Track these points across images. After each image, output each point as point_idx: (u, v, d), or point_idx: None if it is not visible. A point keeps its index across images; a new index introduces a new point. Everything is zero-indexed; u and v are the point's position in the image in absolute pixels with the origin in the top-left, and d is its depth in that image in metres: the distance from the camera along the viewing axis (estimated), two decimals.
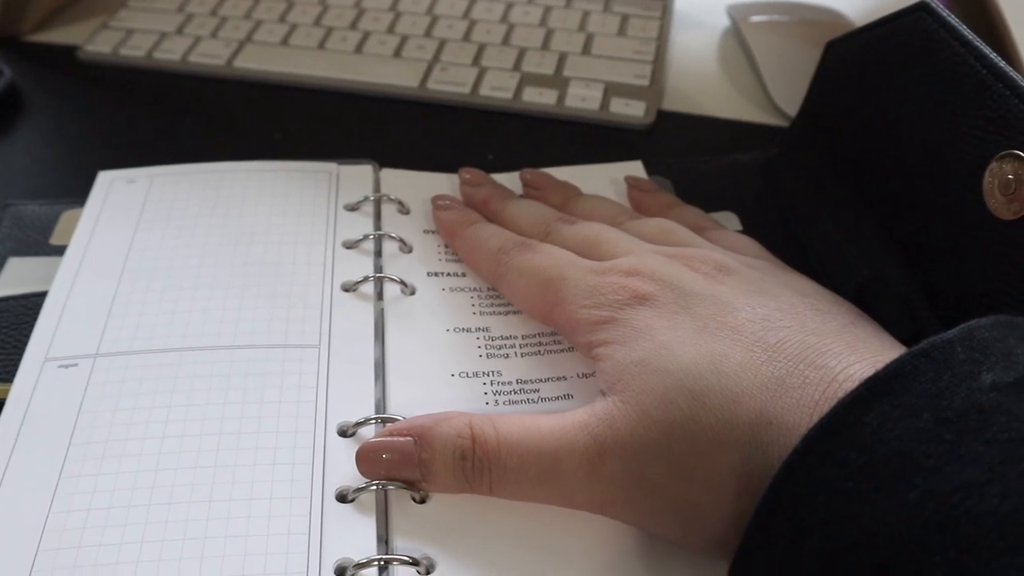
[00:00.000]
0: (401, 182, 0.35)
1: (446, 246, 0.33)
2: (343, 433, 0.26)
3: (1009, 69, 0.26)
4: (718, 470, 0.22)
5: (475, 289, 0.31)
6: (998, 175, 0.25)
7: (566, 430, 0.23)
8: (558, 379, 0.28)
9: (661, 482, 0.23)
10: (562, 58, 0.45)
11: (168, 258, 0.31)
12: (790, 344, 0.23)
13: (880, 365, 0.20)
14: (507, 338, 0.29)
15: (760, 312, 0.24)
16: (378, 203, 0.34)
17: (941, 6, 0.29)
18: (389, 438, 0.25)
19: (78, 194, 0.36)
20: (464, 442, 0.24)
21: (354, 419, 0.26)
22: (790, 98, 0.43)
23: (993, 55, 0.27)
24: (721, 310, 0.25)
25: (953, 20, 0.29)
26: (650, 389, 0.23)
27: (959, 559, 0.17)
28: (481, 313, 0.30)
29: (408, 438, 0.24)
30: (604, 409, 0.23)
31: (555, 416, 0.24)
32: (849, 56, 0.33)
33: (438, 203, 0.33)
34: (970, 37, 0.28)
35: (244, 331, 0.29)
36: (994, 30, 0.40)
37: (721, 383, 0.22)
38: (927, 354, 0.20)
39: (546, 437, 0.23)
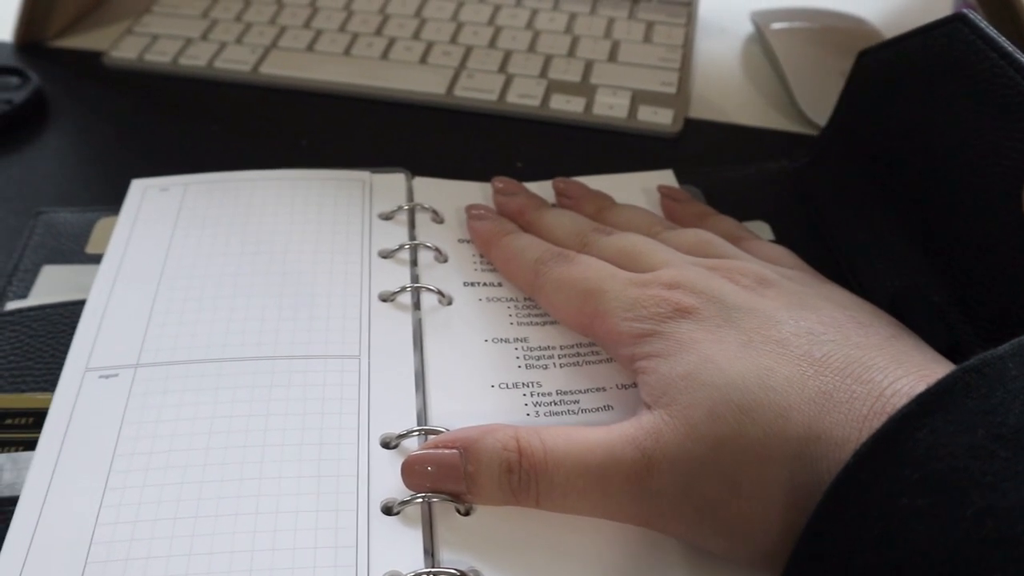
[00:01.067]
0: (434, 191, 0.35)
1: (481, 255, 0.33)
2: (386, 445, 0.26)
3: None
4: (766, 484, 0.22)
5: (512, 299, 0.31)
6: None
7: (613, 443, 0.24)
8: (597, 390, 0.28)
9: (709, 496, 0.23)
10: (588, 65, 0.45)
11: (205, 267, 0.31)
12: (836, 358, 0.23)
13: (927, 380, 0.20)
14: (545, 349, 0.29)
15: (804, 325, 0.24)
16: (412, 212, 0.34)
17: (979, 17, 0.29)
18: (434, 450, 0.25)
19: (106, 200, 0.36)
20: (511, 455, 0.24)
21: (397, 430, 0.26)
22: (816, 105, 0.43)
23: None
24: (765, 323, 0.25)
25: (991, 31, 0.29)
26: (697, 403, 0.23)
27: None
28: (519, 323, 0.30)
29: (454, 450, 0.24)
30: (651, 423, 0.23)
31: (601, 429, 0.24)
32: (883, 66, 0.33)
33: (472, 213, 0.33)
34: (1009, 48, 0.28)
35: (284, 341, 0.29)
36: None
37: (769, 397, 0.23)
38: (978, 370, 0.20)
39: (593, 450, 0.24)
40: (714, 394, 0.23)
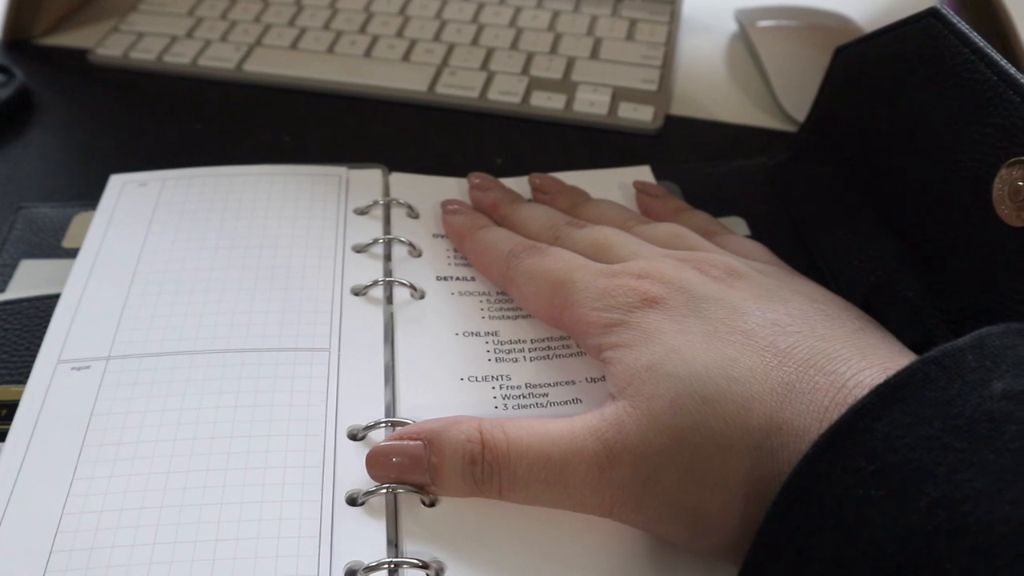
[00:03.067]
0: (410, 186, 0.35)
1: (455, 250, 0.33)
2: (353, 436, 0.26)
3: (1020, 76, 0.26)
4: (727, 475, 0.22)
5: (484, 293, 0.31)
6: (1008, 182, 0.25)
7: (575, 435, 0.24)
8: (567, 383, 0.28)
9: (670, 487, 0.23)
10: (570, 63, 0.45)
11: (179, 261, 0.32)
12: (800, 349, 0.23)
13: (890, 372, 0.20)
14: (516, 342, 0.29)
15: (770, 317, 0.24)
16: (387, 207, 0.34)
17: (951, 12, 0.29)
18: (399, 442, 0.25)
19: (89, 196, 0.36)
20: (474, 447, 0.24)
21: (364, 422, 0.26)
22: (798, 103, 0.43)
23: (1004, 62, 0.27)
24: (731, 314, 0.25)
25: (963, 26, 0.29)
26: (660, 394, 0.23)
27: (970, 567, 0.17)
28: (490, 317, 0.30)
29: (418, 442, 0.24)
30: (614, 414, 0.24)
31: (565, 420, 0.24)
32: (858, 62, 0.34)
33: (447, 207, 0.33)
34: (981, 44, 0.28)
35: (255, 334, 0.29)
36: (1003, 36, 0.40)
37: (731, 388, 0.23)
38: (938, 362, 0.20)
39: (556, 441, 0.24)
40: (677, 385, 0.23)
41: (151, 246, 0.32)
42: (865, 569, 0.18)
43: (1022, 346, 0.20)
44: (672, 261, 0.27)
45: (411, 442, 0.25)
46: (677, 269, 0.26)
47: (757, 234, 0.35)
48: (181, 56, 0.46)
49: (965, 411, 0.19)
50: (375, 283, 0.31)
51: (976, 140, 0.27)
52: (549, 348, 0.29)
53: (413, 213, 0.34)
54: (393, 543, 0.24)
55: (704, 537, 0.23)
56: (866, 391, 0.20)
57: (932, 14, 0.30)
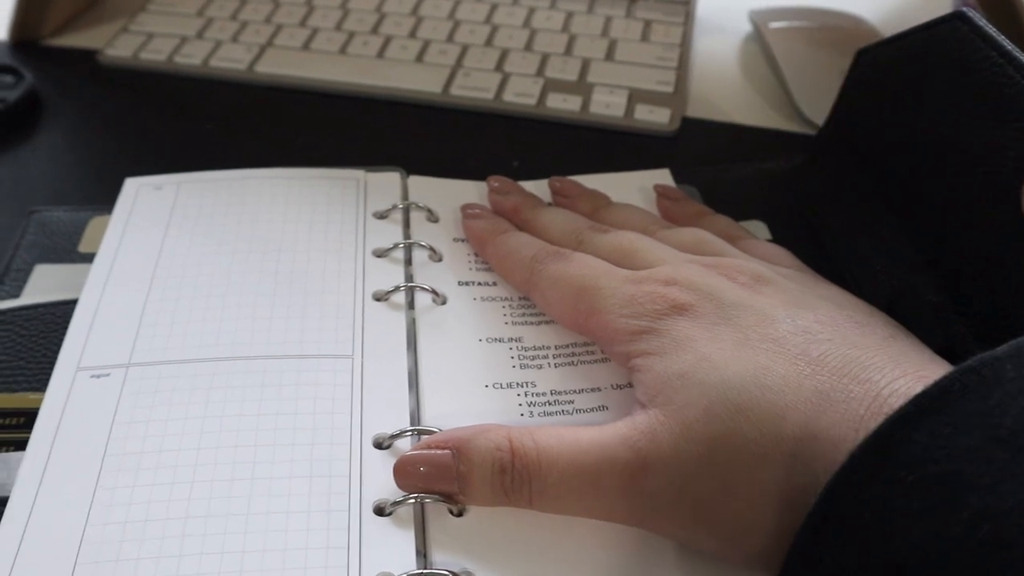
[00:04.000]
0: (429, 189, 0.35)
1: (476, 255, 0.32)
2: (379, 445, 0.26)
3: None
4: (761, 484, 0.22)
5: (506, 298, 0.31)
6: None
7: (606, 443, 0.23)
8: (592, 390, 0.28)
9: (703, 496, 0.22)
10: (585, 64, 0.45)
11: (197, 266, 0.31)
12: (833, 357, 0.23)
13: (925, 380, 0.20)
14: (540, 348, 0.29)
15: (800, 324, 0.24)
16: (407, 211, 0.34)
17: (978, 15, 0.29)
18: (427, 451, 0.25)
19: (100, 199, 0.36)
20: (503, 455, 0.24)
21: (389, 431, 0.26)
22: (814, 104, 0.43)
23: None
24: (761, 321, 0.24)
25: (991, 30, 0.28)
26: (693, 402, 0.23)
27: None
28: (513, 323, 0.30)
29: (446, 451, 0.24)
30: (646, 422, 0.23)
31: (595, 429, 0.24)
32: (881, 64, 0.33)
33: (468, 212, 0.33)
34: (1008, 47, 0.27)
35: (276, 341, 0.29)
36: None
37: (765, 397, 0.22)
38: (976, 371, 0.20)
39: (586, 450, 0.23)
40: (710, 393, 0.23)
41: (168, 251, 0.32)
42: None
43: None
44: (699, 267, 0.27)
45: (439, 451, 0.24)
46: (704, 275, 0.26)
47: (777, 237, 0.35)
48: (192, 57, 0.45)
49: (1005, 421, 0.19)
50: (396, 288, 0.30)
51: (1003, 145, 0.27)
52: (574, 354, 0.29)
53: (433, 217, 0.34)
54: (421, 553, 0.24)
55: (737, 547, 0.23)
56: (902, 400, 0.20)
57: (958, 16, 0.30)
